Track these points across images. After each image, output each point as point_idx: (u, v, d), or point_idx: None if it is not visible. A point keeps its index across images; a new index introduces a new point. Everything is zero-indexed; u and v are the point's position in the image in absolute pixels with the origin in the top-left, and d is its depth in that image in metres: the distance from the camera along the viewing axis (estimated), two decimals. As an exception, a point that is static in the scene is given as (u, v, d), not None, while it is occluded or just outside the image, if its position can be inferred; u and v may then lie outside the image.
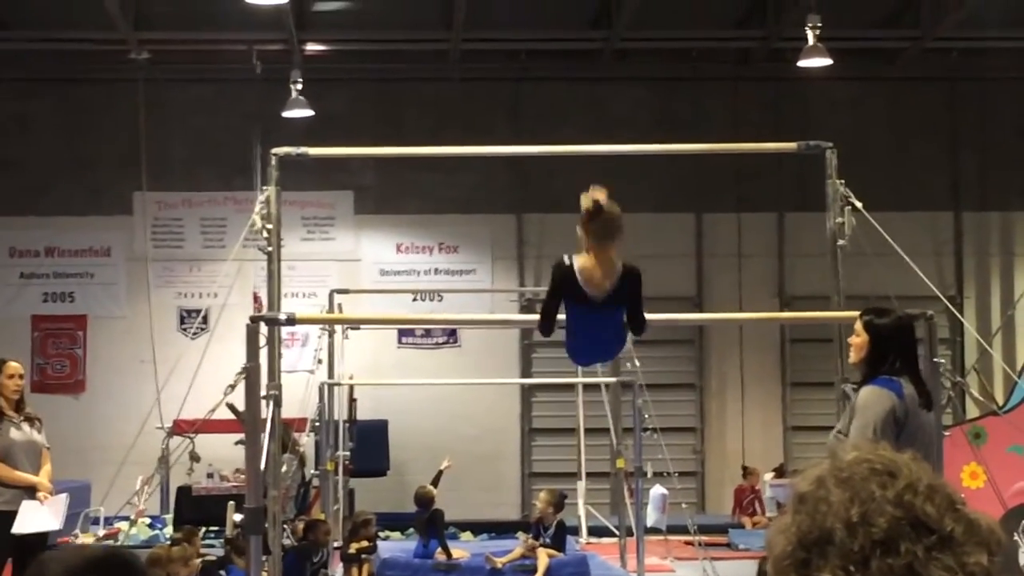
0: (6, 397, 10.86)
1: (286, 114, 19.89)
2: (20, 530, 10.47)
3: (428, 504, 15.46)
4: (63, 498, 11.06)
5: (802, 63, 18.55)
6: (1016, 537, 13.18)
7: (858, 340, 7.06)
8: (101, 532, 17.44)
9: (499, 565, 15.09)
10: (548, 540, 15.08)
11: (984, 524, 1.86)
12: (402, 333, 21.78)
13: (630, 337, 13.19)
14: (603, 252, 7.48)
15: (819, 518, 1.85)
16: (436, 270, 22.11)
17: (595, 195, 7.46)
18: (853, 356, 7.11)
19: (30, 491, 10.72)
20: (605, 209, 7.47)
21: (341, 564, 15.11)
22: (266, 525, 8.64)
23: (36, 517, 10.62)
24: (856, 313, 7.43)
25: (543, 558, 14.88)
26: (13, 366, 11.01)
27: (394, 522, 19.22)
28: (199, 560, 12.36)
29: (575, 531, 18.54)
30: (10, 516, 10.51)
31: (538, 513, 15.58)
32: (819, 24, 17.58)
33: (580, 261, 7.49)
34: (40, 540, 10.83)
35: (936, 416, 8.07)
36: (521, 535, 16.24)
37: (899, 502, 1.83)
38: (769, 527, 1.98)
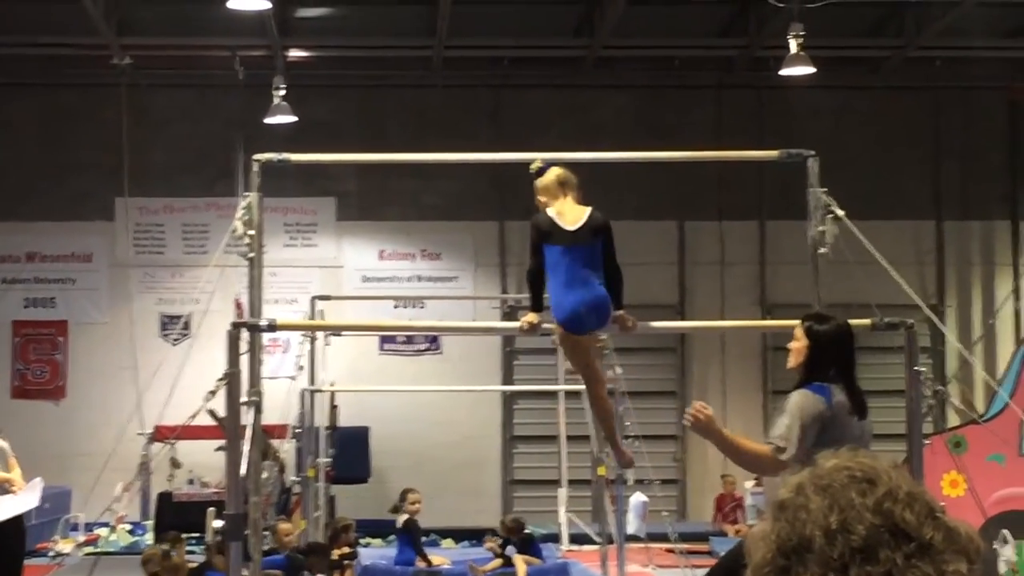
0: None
1: (268, 120, 19.88)
2: None
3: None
4: (38, 481, 11.05)
5: (785, 71, 18.59)
6: (996, 546, 13.21)
7: (797, 345, 7.15)
8: (81, 538, 17.43)
9: (480, 574, 15.11)
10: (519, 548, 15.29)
11: (963, 532, 1.86)
12: (384, 340, 21.78)
13: (610, 342, 13.26)
14: (566, 200, 8.26)
15: (798, 525, 1.84)
16: (418, 277, 22.10)
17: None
18: (791, 360, 7.20)
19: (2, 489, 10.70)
20: (555, 167, 8.39)
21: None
22: (246, 531, 8.62)
23: (12, 503, 10.61)
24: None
25: (521, 566, 14.93)
26: None
27: (375, 529, 19.20)
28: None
29: (556, 538, 18.54)
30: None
31: (503, 534, 15.95)
32: (802, 32, 17.61)
33: (553, 209, 8.24)
34: (19, 535, 10.80)
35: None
36: (487, 538, 16.37)
37: (878, 509, 1.83)
38: (750, 534, 1.98)
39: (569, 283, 8.06)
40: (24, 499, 10.76)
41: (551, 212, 8.24)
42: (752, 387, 22.30)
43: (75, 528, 18.12)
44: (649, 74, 22.27)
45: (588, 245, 8.16)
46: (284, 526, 14.89)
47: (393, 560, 15.57)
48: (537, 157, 8.69)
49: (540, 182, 8.42)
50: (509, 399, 22.01)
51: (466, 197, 21.82)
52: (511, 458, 22.06)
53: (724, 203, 22.10)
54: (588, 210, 8.26)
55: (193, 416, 8.66)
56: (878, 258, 9.21)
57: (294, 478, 17.48)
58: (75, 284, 21.81)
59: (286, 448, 17.93)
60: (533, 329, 8.37)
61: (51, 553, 17.10)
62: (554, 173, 8.38)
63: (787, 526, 1.86)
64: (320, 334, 16.61)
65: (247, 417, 8.67)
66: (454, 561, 15.95)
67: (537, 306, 8.32)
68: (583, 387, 16.57)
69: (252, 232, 9.20)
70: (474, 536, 18.88)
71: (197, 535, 15.47)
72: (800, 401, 6.94)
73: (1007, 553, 13.25)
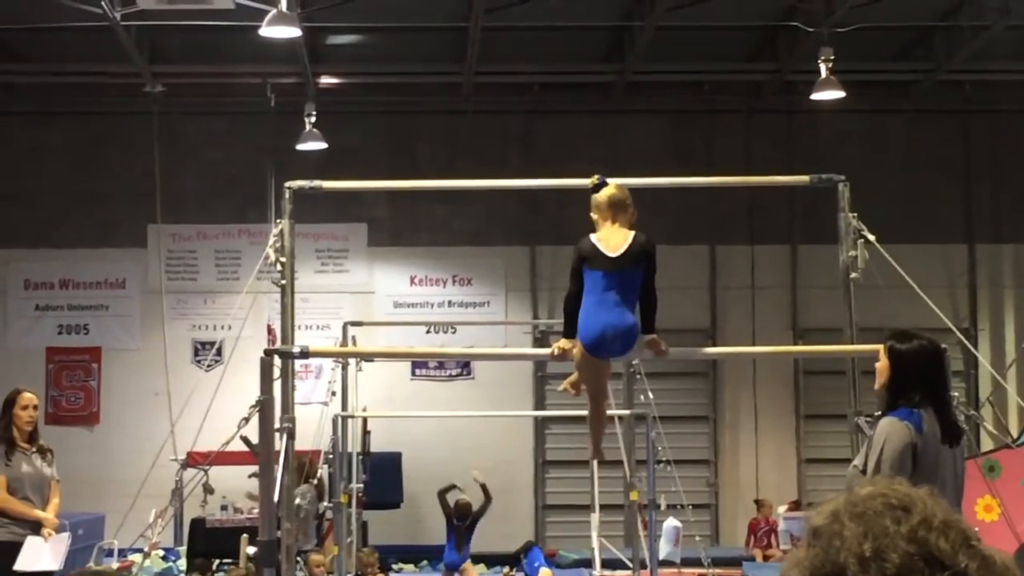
0: (19, 428, 10.83)
1: (300, 147, 19.95)
2: (21, 567, 10.45)
3: (467, 514, 16.59)
4: (65, 537, 11.02)
5: (815, 96, 18.57)
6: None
7: (880, 365, 6.78)
8: (115, 564, 17.45)
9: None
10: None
11: (999, 561, 1.86)
12: (415, 365, 21.78)
13: (642, 368, 13.31)
14: (614, 225, 8.18)
15: (832, 552, 1.85)
16: (450, 302, 22.12)
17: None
18: (876, 382, 6.83)
19: (35, 525, 10.69)
20: (611, 185, 8.35)
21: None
22: (280, 558, 8.64)
23: (37, 556, 10.58)
24: (870, 346, 7.40)
25: None
26: (27, 396, 10.96)
27: (407, 554, 19.21)
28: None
29: (588, 563, 18.51)
30: (15, 547, 10.49)
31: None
32: (832, 57, 17.62)
33: (597, 235, 8.18)
34: None
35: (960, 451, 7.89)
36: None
37: (913, 537, 1.83)
38: (784, 560, 1.98)
39: (600, 305, 8.06)
40: (46, 559, 10.71)
41: (594, 238, 8.20)
42: (784, 411, 22.23)
43: (109, 554, 18.15)
44: (679, 99, 22.27)
45: (627, 271, 8.12)
46: (316, 557, 14.88)
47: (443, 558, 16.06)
48: (598, 178, 8.68)
49: (595, 198, 8.35)
50: (541, 424, 21.99)
51: (497, 223, 21.84)
52: (543, 483, 22.03)
53: (755, 227, 22.08)
54: (632, 235, 8.17)
55: (227, 443, 8.69)
56: (909, 282, 9.21)
57: (326, 504, 17.50)
58: (108, 311, 21.89)
59: (318, 474, 17.97)
60: (565, 355, 8.35)
61: (85, 579, 17.13)
62: (607, 193, 8.31)
63: (821, 553, 1.87)
64: (352, 360, 16.65)
65: (280, 443, 8.71)
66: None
67: (571, 332, 8.27)
68: (615, 412, 16.67)
69: (284, 258, 9.26)
70: (506, 561, 18.88)
71: (230, 561, 15.54)
72: (886, 433, 6.53)
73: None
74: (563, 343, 8.30)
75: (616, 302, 8.06)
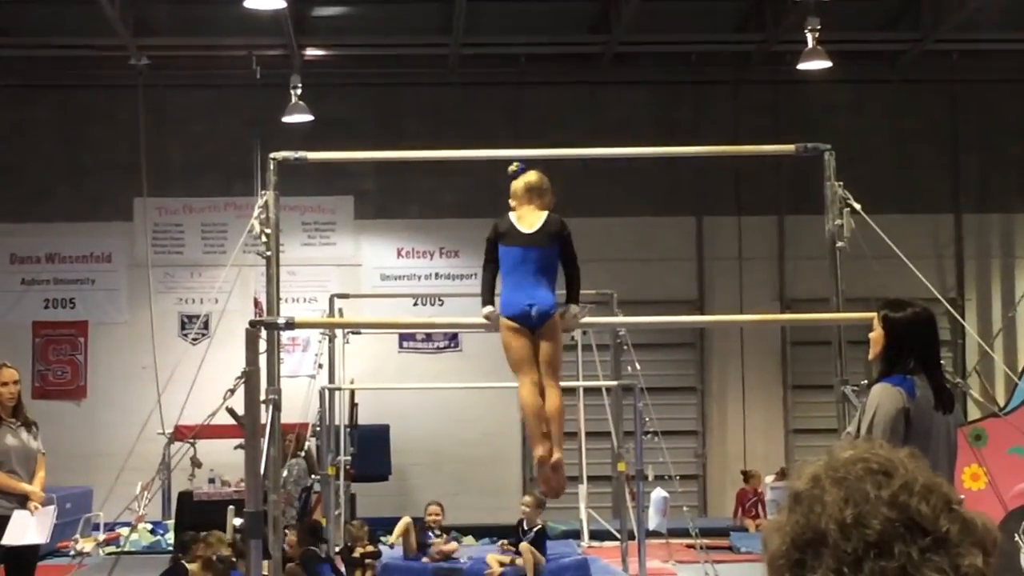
0: (2, 403, 10.81)
1: (286, 119, 19.89)
2: (8, 542, 10.44)
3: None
4: (51, 510, 11.01)
5: (802, 66, 18.56)
6: (1017, 538, 13.17)
7: (875, 335, 6.77)
8: (102, 537, 17.48)
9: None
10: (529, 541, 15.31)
11: (980, 523, 1.85)
12: (403, 338, 21.76)
13: (629, 339, 13.33)
14: (530, 207, 8.64)
15: (813, 518, 1.84)
16: (437, 274, 22.09)
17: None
18: (870, 352, 6.81)
19: (22, 498, 10.68)
20: (530, 172, 8.81)
21: (344, 567, 15.14)
22: (266, 529, 8.64)
23: (24, 530, 10.57)
24: (857, 314, 7.39)
25: (528, 556, 15.00)
26: (8, 372, 10.92)
27: (395, 527, 19.19)
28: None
29: (577, 535, 18.55)
30: (2, 521, 10.48)
31: (522, 515, 15.77)
32: (818, 27, 17.59)
33: (514, 214, 8.67)
34: (32, 549, 10.82)
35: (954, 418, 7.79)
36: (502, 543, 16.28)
37: (894, 502, 1.82)
38: (766, 524, 1.97)
39: (520, 284, 8.40)
40: (32, 533, 10.70)
41: (512, 216, 8.62)
42: (772, 382, 22.27)
43: (96, 527, 18.19)
44: (666, 70, 22.24)
45: (543, 248, 8.48)
46: (290, 537, 14.77)
47: None
48: (518, 165, 8.93)
49: (513, 184, 8.80)
50: (528, 396, 21.95)
51: (484, 194, 21.76)
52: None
53: (742, 198, 22.08)
54: (545, 215, 8.59)
55: (212, 415, 8.68)
56: (896, 252, 9.20)
57: (314, 476, 17.51)
58: (95, 285, 21.85)
59: (306, 446, 17.98)
60: (493, 322, 8.56)
61: (72, 552, 17.17)
62: (523, 180, 8.75)
63: (802, 519, 1.86)
64: (339, 332, 16.65)
65: (266, 415, 8.70)
66: (472, 559, 15.96)
67: (489, 299, 8.60)
68: (603, 383, 16.70)
69: (269, 231, 9.23)
70: (495, 533, 18.88)
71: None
72: (878, 399, 6.53)
73: (1028, 546, 13.21)
74: (486, 311, 8.55)
75: (534, 280, 8.38)
